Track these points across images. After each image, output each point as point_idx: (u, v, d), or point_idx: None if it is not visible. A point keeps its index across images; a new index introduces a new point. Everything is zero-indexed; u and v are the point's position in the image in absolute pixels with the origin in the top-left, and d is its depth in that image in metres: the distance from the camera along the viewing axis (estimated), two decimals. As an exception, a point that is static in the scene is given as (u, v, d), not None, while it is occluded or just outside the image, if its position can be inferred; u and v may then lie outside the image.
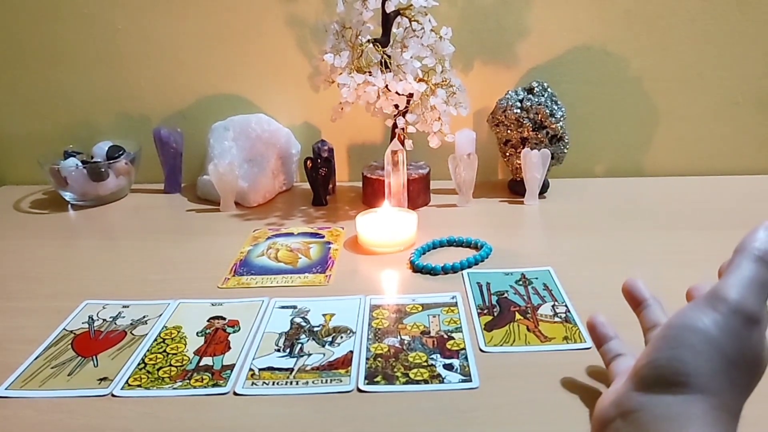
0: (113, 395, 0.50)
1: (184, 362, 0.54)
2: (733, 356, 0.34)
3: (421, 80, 0.80)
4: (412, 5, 0.78)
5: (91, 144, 0.98)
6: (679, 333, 0.35)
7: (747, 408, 0.46)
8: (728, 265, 0.37)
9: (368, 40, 0.79)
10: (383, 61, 0.79)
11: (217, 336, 0.58)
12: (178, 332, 0.59)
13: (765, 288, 0.35)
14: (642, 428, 0.34)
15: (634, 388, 0.36)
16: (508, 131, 0.90)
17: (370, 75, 0.78)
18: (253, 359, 0.54)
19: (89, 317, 0.62)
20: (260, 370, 0.52)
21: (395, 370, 0.52)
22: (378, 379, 0.51)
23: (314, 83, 0.83)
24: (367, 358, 0.53)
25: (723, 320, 0.35)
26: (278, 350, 0.55)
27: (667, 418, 0.34)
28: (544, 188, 0.92)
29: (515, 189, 0.93)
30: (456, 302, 0.62)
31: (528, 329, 0.57)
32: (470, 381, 0.50)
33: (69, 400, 0.50)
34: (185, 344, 0.57)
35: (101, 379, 0.52)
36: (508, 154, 0.93)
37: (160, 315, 0.62)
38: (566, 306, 0.61)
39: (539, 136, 0.89)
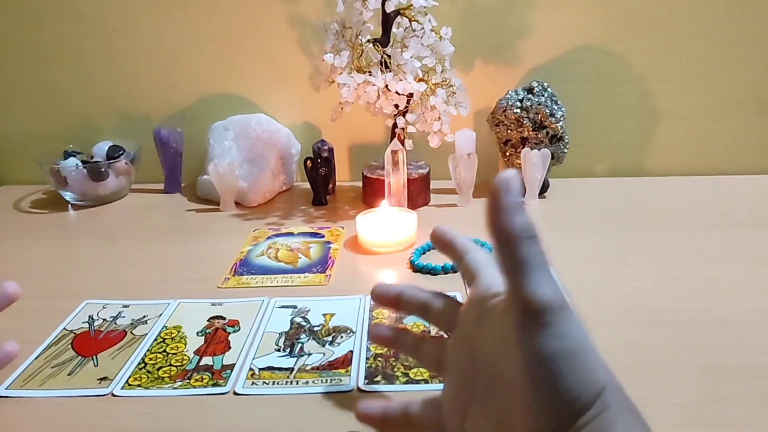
0: (113, 395, 0.50)
1: (184, 362, 0.54)
2: (584, 339, 0.32)
3: (421, 80, 0.80)
4: (412, 5, 0.78)
5: (91, 144, 0.98)
6: (541, 368, 0.31)
7: (747, 408, 0.46)
8: (503, 260, 0.32)
9: (368, 40, 0.79)
10: (383, 61, 0.79)
11: (217, 336, 0.58)
12: (178, 332, 0.59)
13: (546, 261, 0.32)
14: None
15: None
16: (508, 131, 0.90)
17: (370, 75, 0.78)
18: (253, 359, 0.54)
19: (89, 317, 0.62)
20: (260, 369, 0.52)
21: (395, 369, 0.52)
22: (378, 378, 0.51)
23: (314, 83, 0.83)
24: (367, 358, 0.53)
25: (557, 327, 0.31)
26: (278, 350, 0.55)
27: None
28: (544, 188, 0.92)
29: (515, 189, 0.93)
30: (456, 302, 0.62)
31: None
32: (470, 381, 0.50)
33: (69, 400, 0.50)
34: (185, 344, 0.57)
35: (101, 379, 0.52)
36: (508, 153, 0.92)
37: (160, 315, 0.62)
38: (566, 306, 0.60)
39: (539, 135, 0.89)
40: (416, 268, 0.69)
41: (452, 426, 0.38)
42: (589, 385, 0.31)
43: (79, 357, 0.55)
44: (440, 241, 0.45)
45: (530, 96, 0.89)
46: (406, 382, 0.50)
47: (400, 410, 0.41)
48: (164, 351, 0.56)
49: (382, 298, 0.44)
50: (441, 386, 0.49)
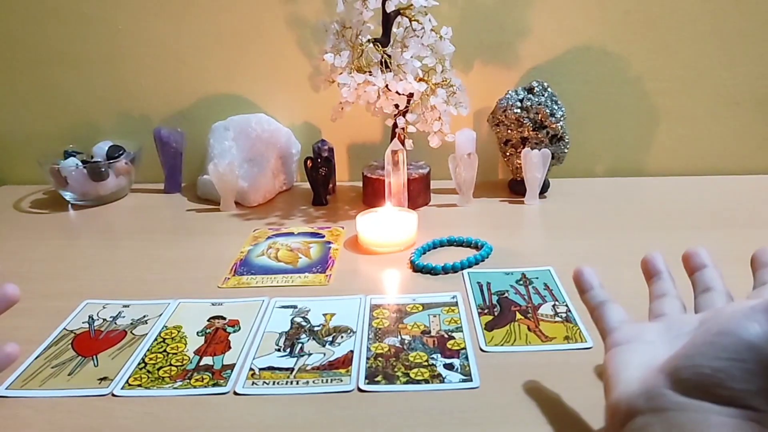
0: (113, 395, 0.50)
1: (184, 362, 0.54)
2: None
3: (421, 80, 0.80)
4: (412, 5, 0.78)
5: (91, 144, 0.98)
6: (729, 343, 0.32)
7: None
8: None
9: (368, 40, 0.79)
10: (383, 60, 0.79)
11: (217, 336, 0.58)
12: (179, 332, 0.59)
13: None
14: (676, 429, 0.33)
15: (671, 387, 0.34)
16: (509, 131, 0.90)
17: (370, 75, 0.78)
18: (254, 359, 0.54)
19: (89, 317, 0.62)
20: (260, 369, 0.52)
21: (396, 369, 0.52)
22: (378, 378, 0.50)
23: (314, 83, 0.83)
24: (368, 358, 0.53)
25: None
26: (278, 350, 0.55)
27: (706, 425, 0.32)
28: (545, 188, 0.92)
29: (515, 189, 0.93)
30: (456, 302, 0.62)
31: (529, 329, 0.57)
32: (471, 381, 0.50)
33: (69, 400, 0.49)
34: (185, 344, 0.57)
35: (101, 379, 0.52)
36: (508, 153, 0.92)
37: (160, 315, 0.62)
38: (567, 306, 0.61)
39: (539, 135, 0.89)
40: (416, 268, 0.69)
41: None
42: (743, 393, 0.32)
43: (79, 357, 0.55)
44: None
45: (530, 96, 0.89)
46: (407, 382, 0.50)
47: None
48: (164, 351, 0.56)
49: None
50: (441, 386, 0.49)
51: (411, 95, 0.80)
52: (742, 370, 0.32)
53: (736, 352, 0.32)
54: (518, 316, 0.59)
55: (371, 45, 0.79)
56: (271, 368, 0.53)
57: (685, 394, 0.33)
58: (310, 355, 0.54)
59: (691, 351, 0.34)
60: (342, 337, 0.57)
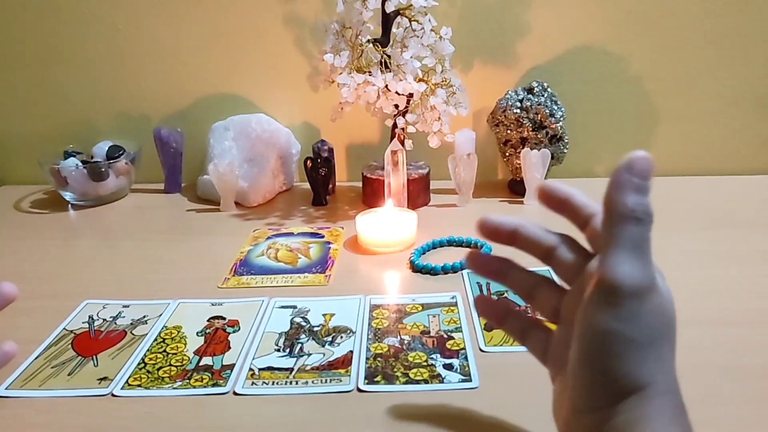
0: (113, 395, 0.50)
1: (184, 362, 0.54)
2: (649, 336, 0.32)
3: (421, 80, 0.80)
4: (412, 5, 0.78)
5: (91, 144, 0.98)
6: (591, 343, 0.32)
7: (747, 409, 0.46)
8: (604, 233, 0.32)
9: (368, 40, 0.79)
10: (383, 61, 0.79)
11: (217, 336, 0.58)
12: (178, 332, 0.59)
13: (646, 247, 0.32)
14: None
15: (578, 412, 0.34)
16: (508, 131, 0.90)
17: (370, 75, 0.78)
18: (253, 359, 0.54)
19: (89, 317, 0.62)
20: (260, 369, 0.52)
21: (395, 369, 0.52)
22: (378, 378, 0.51)
23: (313, 83, 0.83)
24: (367, 358, 0.53)
25: (625, 311, 0.31)
26: (278, 350, 0.55)
27: (620, 428, 0.32)
28: (544, 188, 0.91)
29: (515, 189, 0.93)
30: (456, 302, 0.62)
31: (528, 329, 0.57)
32: (470, 381, 0.50)
33: (69, 400, 0.50)
34: (185, 344, 0.57)
35: (101, 379, 0.52)
36: (508, 154, 0.93)
37: (160, 315, 0.62)
38: (566, 306, 0.60)
39: (539, 136, 0.89)
40: (416, 268, 0.69)
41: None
42: (631, 376, 0.31)
43: (79, 357, 0.55)
44: (552, 200, 0.39)
45: (530, 96, 0.89)
46: (406, 382, 0.50)
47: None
48: (164, 351, 0.56)
49: (494, 231, 0.39)
50: (441, 386, 0.49)
51: (411, 95, 0.80)
52: (614, 358, 0.31)
53: (600, 348, 0.32)
54: (518, 316, 0.59)
55: (371, 45, 0.79)
56: (270, 368, 0.53)
57: (592, 412, 0.33)
58: (309, 355, 0.54)
59: (573, 373, 0.34)
60: (341, 337, 0.57)
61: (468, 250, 0.38)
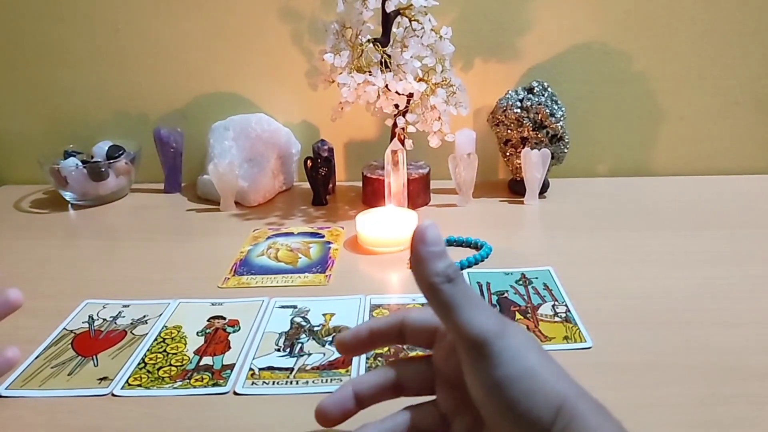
0: (113, 395, 0.50)
1: (184, 362, 0.54)
2: (535, 359, 0.32)
3: (421, 80, 0.80)
4: (412, 5, 0.78)
5: (91, 144, 0.98)
6: (497, 398, 0.32)
7: (747, 409, 0.46)
8: (435, 307, 0.34)
9: (368, 40, 0.79)
10: (383, 60, 0.79)
11: (217, 336, 0.58)
12: (178, 332, 0.59)
13: (474, 296, 0.33)
14: None
15: None
16: (508, 131, 0.90)
17: (370, 75, 0.78)
18: (253, 359, 0.54)
19: (89, 317, 0.62)
20: (260, 369, 0.52)
21: (395, 369, 0.52)
22: (378, 378, 0.50)
23: (311, 81, 0.83)
24: (367, 358, 0.53)
25: (504, 354, 0.32)
26: (278, 350, 0.55)
27: None
28: (545, 188, 0.92)
29: (515, 189, 0.93)
30: (456, 302, 0.62)
31: (528, 329, 0.57)
32: (470, 381, 0.50)
33: (69, 400, 0.50)
34: (185, 344, 0.57)
35: (101, 379, 0.52)
36: (508, 153, 0.92)
37: (160, 315, 0.62)
38: (566, 306, 0.61)
39: (539, 135, 0.89)
40: (416, 268, 0.69)
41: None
42: (544, 404, 0.31)
43: (79, 357, 0.55)
44: (357, 345, 0.41)
45: (530, 96, 0.89)
46: (406, 382, 0.50)
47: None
48: (164, 351, 0.56)
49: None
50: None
51: (411, 95, 0.80)
52: (528, 397, 0.32)
53: (499, 409, 0.32)
54: (518, 316, 0.59)
55: (371, 45, 0.79)
56: (270, 368, 0.53)
57: None
58: (309, 355, 0.54)
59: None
60: (342, 337, 0.57)
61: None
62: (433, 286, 0.33)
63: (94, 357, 0.55)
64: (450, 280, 0.33)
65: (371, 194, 0.89)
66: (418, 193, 0.88)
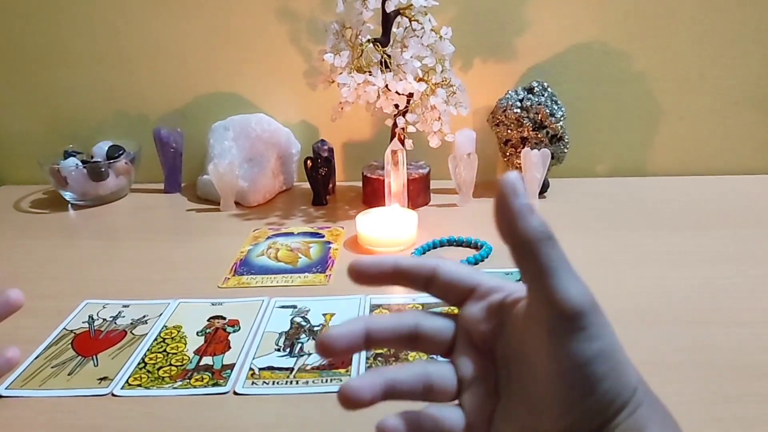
0: (113, 395, 0.50)
1: (184, 362, 0.54)
2: (615, 341, 0.30)
3: (421, 80, 0.80)
4: (412, 5, 0.78)
5: (91, 144, 0.98)
6: (578, 374, 0.29)
7: (747, 408, 0.46)
8: (529, 266, 0.30)
9: (368, 40, 0.79)
10: (383, 60, 0.79)
11: (217, 335, 0.58)
12: (178, 332, 0.59)
13: (568, 261, 0.30)
14: None
15: None
16: (508, 131, 0.90)
17: (370, 75, 0.78)
18: (253, 359, 0.54)
19: (89, 317, 0.62)
20: (260, 369, 0.52)
21: (395, 369, 0.52)
22: (378, 378, 0.50)
23: (310, 81, 0.83)
24: (367, 358, 0.53)
25: (594, 329, 0.29)
26: (278, 350, 0.55)
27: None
28: (545, 188, 0.92)
29: (515, 189, 0.93)
30: (456, 302, 0.62)
31: (528, 329, 0.57)
32: (470, 380, 0.50)
33: (69, 400, 0.50)
34: (185, 344, 0.57)
35: (101, 379, 0.52)
36: (508, 153, 0.92)
37: (160, 314, 0.62)
38: (566, 306, 0.60)
39: (539, 135, 0.89)
40: (416, 268, 0.69)
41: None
42: (625, 385, 0.30)
43: (79, 357, 0.55)
44: (373, 276, 0.34)
45: (530, 96, 0.89)
46: (406, 382, 0.50)
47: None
48: (164, 351, 0.56)
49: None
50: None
51: (411, 95, 0.80)
52: (609, 384, 0.30)
53: (590, 379, 0.30)
54: (518, 316, 0.59)
55: (371, 45, 0.79)
56: (270, 368, 0.53)
57: None
58: (309, 355, 0.54)
59: (555, 413, 0.31)
60: (342, 337, 0.57)
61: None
62: (532, 244, 0.29)
63: (94, 357, 0.55)
64: (550, 238, 0.29)
65: (371, 194, 0.89)
66: (418, 193, 0.88)
